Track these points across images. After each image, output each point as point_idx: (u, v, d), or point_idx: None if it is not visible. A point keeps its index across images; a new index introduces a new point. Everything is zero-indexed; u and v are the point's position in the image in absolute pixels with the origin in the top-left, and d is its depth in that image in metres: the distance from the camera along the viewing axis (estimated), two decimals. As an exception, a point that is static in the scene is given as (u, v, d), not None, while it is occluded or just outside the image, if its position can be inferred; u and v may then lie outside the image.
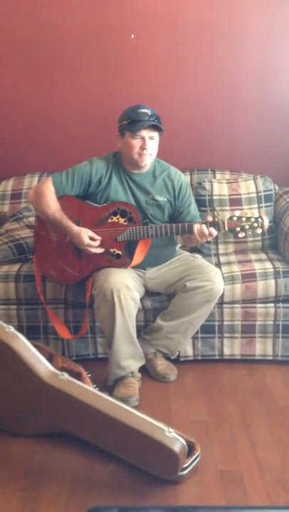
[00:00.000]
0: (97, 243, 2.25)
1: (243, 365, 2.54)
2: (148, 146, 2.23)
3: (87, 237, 2.23)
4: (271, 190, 2.85)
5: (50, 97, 3.06)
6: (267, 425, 2.08)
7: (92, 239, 2.24)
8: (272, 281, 2.45)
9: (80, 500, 1.70)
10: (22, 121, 3.10)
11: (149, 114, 2.22)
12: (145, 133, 2.22)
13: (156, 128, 2.24)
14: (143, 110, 2.22)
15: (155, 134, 2.26)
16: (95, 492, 1.75)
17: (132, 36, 2.95)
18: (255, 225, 2.17)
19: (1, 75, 3.04)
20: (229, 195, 2.81)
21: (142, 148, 2.24)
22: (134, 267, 2.32)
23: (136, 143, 2.23)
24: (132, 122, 2.22)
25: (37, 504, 1.69)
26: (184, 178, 2.43)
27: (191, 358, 2.54)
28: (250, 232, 2.20)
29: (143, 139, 2.23)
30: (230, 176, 2.96)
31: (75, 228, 2.25)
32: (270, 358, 2.53)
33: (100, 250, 2.26)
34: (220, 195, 2.80)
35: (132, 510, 0.93)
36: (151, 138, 2.24)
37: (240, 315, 2.50)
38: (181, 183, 2.39)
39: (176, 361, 2.51)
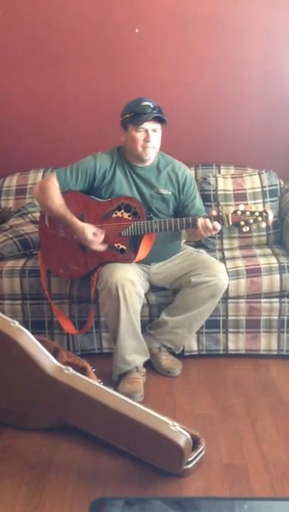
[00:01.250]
0: (101, 239, 2.25)
1: (248, 359, 2.54)
2: (151, 138, 2.23)
3: (91, 233, 2.23)
4: (276, 185, 2.84)
5: (55, 93, 3.06)
6: (272, 419, 2.08)
7: (95, 235, 2.25)
8: (277, 276, 2.45)
9: (86, 493, 1.71)
10: (26, 117, 3.10)
11: (152, 106, 2.22)
12: (148, 125, 2.23)
13: (159, 120, 2.24)
14: (146, 103, 2.22)
15: (158, 127, 2.26)
16: (101, 485, 1.76)
17: (137, 31, 2.95)
18: (260, 219, 2.17)
19: (5, 71, 3.04)
20: (234, 190, 2.80)
21: (146, 140, 2.24)
22: (138, 262, 2.32)
23: (140, 136, 2.24)
24: (135, 115, 2.22)
25: (43, 497, 1.71)
26: (189, 172, 2.43)
27: (196, 352, 2.54)
28: (254, 227, 2.20)
29: (146, 131, 2.23)
30: (235, 170, 2.95)
31: (79, 224, 2.25)
32: (275, 352, 2.53)
33: (102, 248, 2.26)
34: (225, 190, 2.80)
35: (136, 501, 0.93)
36: (154, 130, 2.24)
37: (244, 310, 2.49)
38: (186, 177, 2.39)
39: (180, 356, 2.51)
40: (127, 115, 2.26)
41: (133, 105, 2.25)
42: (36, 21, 2.96)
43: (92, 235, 2.24)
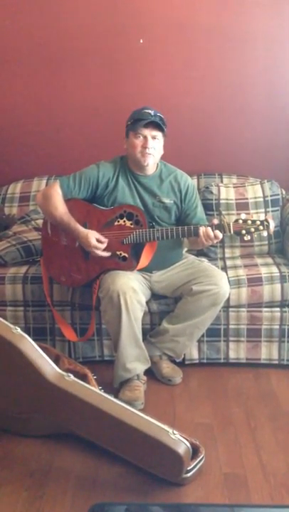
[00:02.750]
0: (104, 245, 2.27)
1: (249, 369, 2.54)
2: (150, 145, 2.25)
3: (94, 239, 2.25)
4: (278, 194, 2.85)
5: (59, 101, 3.09)
6: (272, 429, 2.08)
7: (99, 241, 2.26)
8: (278, 286, 2.46)
9: (85, 500, 1.70)
10: (31, 124, 3.12)
11: (152, 113, 2.25)
12: (147, 132, 2.25)
13: (158, 128, 2.26)
14: (147, 110, 2.26)
15: (158, 134, 2.28)
16: (100, 492, 1.76)
17: (141, 41, 2.98)
18: (261, 227, 2.17)
19: (10, 79, 3.07)
20: (236, 199, 2.81)
21: (144, 147, 2.26)
22: (140, 270, 2.33)
23: (138, 142, 2.26)
24: (134, 122, 2.26)
25: (42, 503, 1.71)
26: (191, 181, 2.45)
27: (197, 361, 2.55)
28: (255, 235, 2.20)
29: (145, 137, 2.26)
30: (237, 180, 2.97)
31: (82, 230, 2.27)
32: (276, 362, 2.53)
33: (106, 254, 2.27)
34: (227, 199, 2.81)
35: (135, 506, 0.94)
36: (153, 137, 2.27)
37: (245, 319, 2.50)
38: (188, 186, 2.41)
39: (181, 364, 2.51)
40: (128, 122, 2.29)
41: (135, 113, 2.29)
42: (41, 31, 2.99)
43: (96, 241, 2.25)
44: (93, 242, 2.24)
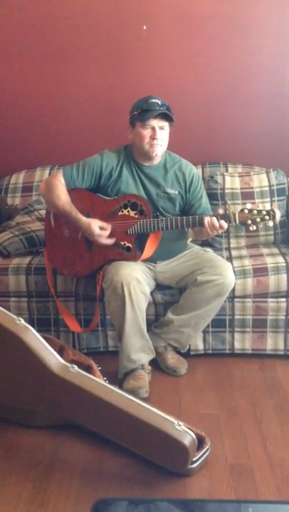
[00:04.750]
0: (108, 232, 2.24)
1: (254, 359, 2.52)
2: (158, 136, 2.22)
3: (98, 227, 2.23)
4: (284, 183, 2.82)
5: (61, 90, 3.06)
6: (278, 420, 2.07)
7: (102, 228, 2.24)
8: (284, 276, 2.43)
9: (90, 492, 1.70)
10: (33, 114, 3.10)
11: (160, 103, 2.21)
12: (155, 122, 2.22)
13: (166, 118, 2.23)
14: (153, 100, 2.22)
15: (165, 124, 2.25)
16: (105, 484, 1.75)
17: (144, 27, 2.94)
18: (267, 218, 2.15)
19: (11, 68, 3.04)
20: (241, 188, 2.78)
21: (152, 138, 2.23)
22: (144, 261, 2.31)
23: (146, 133, 2.23)
24: (142, 112, 2.22)
25: (47, 495, 1.70)
26: (196, 171, 2.42)
27: (202, 351, 2.53)
28: (261, 226, 2.18)
29: (153, 129, 2.22)
30: (242, 169, 2.93)
31: (85, 220, 2.24)
32: (282, 352, 2.51)
33: (110, 241, 2.25)
34: (232, 188, 2.78)
35: (139, 502, 0.92)
36: (161, 128, 2.23)
37: (251, 309, 2.48)
38: (193, 176, 2.38)
39: (186, 355, 2.50)
40: (135, 112, 2.25)
41: (141, 102, 2.24)
42: (42, 19, 2.95)
43: (99, 228, 2.23)
44: (96, 230, 2.22)
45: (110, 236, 2.26)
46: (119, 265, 2.23)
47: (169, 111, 2.23)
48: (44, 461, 1.87)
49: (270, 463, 1.83)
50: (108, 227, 2.24)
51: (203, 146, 3.05)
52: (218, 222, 2.16)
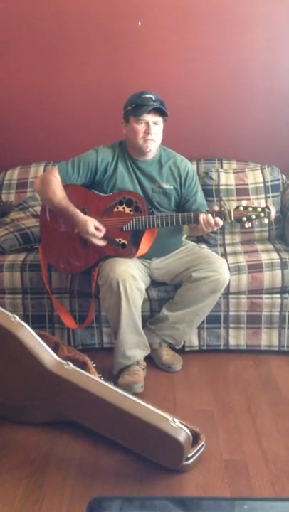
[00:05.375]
0: (101, 234, 2.24)
1: (249, 355, 2.53)
2: (152, 131, 2.22)
3: (93, 226, 2.22)
4: (279, 180, 2.82)
5: (56, 86, 3.04)
6: (272, 415, 2.08)
7: (97, 229, 2.23)
8: (278, 272, 2.44)
9: (85, 489, 1.70)
10: (27, 110, 3.08)
11: (154, 99, 2.21)
12: (149, 117, 2.22)
13: (160, 113, 2.22)
14: (147, 95, 2.22)
15: (159, 120, 2.24)
16: (100, 481, 1.75)
17: (139, 23, 2.92)
18: (262, 215, 2.15)
19: (6, 63, 3.02)
20: (236, 185, 2.78)
21: (146, 133, 2.23)
22: (139, 257, 2.31)
23: (140, 128, 2.23)
24: (136, 107, 2.22)
25: (42, 492, 1.70)
26: (190, 166, 2.42)
27: (197, 348, 2.54)
28: (256, 223, 2.18)
29: (147, 123, 2.22)
30: (237, 165, 2.93)
31: (82, 216, 2.24)
32: (276, 348, 2.52)
33: (102, 243, 2.25)
34: (227, 185, 2.78)
35: (134, 500, 0.92)
36: (155, 123, 2.23)
37: (246, 305, 2.49)
38: (188, 171, 2.38)
39: (181, 351, 2.51)
40: (129, 107, 2.25)
41: (135, 97, 2.24)
42: (37, 13, 2.92)
43: (94, 228, 2.23)
44: (91, 229, 2.22)
45: (106, 233, 2.25)
46: (115, 262, 2.23)
47: (163, 106, 2.23)
48: (39, 457, 1.87)
49: (264, 458, 1.84)
50: (103, 229, 2.24)
51: (198, 143, 3.04)
52: (213, 219, 2.16)
